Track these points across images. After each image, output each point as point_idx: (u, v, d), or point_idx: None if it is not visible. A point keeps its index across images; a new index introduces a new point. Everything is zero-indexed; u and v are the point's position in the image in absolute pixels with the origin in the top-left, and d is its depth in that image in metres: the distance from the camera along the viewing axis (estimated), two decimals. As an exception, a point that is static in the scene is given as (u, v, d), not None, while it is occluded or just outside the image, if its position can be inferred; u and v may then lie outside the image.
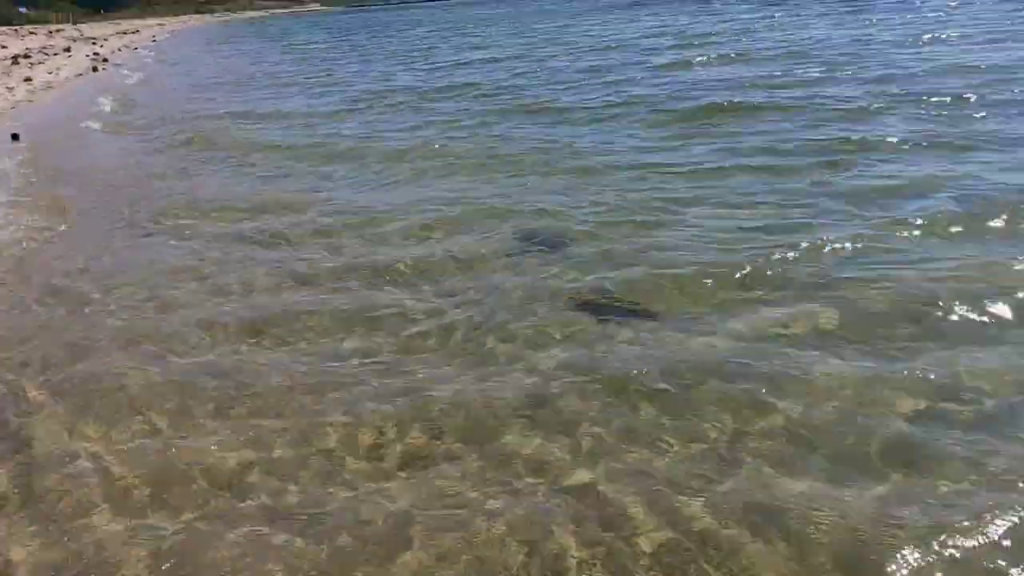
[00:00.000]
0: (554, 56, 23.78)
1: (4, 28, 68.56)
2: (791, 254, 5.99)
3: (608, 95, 15.09)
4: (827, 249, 6.05)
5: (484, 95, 16.80)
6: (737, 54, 19.74)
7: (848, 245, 6.11)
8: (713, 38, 24.89)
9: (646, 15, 42.85)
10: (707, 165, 9.16)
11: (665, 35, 27.93)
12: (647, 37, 27.69)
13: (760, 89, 14.16)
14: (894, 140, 9.50)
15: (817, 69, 15.80)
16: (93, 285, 6.60)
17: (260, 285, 6.42)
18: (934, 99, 11.66)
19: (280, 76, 26.12)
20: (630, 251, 6.50)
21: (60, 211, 9.21)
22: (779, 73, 15.78)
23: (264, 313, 5.80)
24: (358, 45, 40.55)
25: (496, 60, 24.37)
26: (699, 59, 19.03)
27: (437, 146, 11.70)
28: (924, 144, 9.25)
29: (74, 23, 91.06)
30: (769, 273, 5.74)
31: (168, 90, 23.95)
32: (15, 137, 14.23)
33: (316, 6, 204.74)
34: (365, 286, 6.24)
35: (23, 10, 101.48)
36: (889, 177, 8.03)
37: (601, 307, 5.50)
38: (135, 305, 6.15)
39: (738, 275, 5.76)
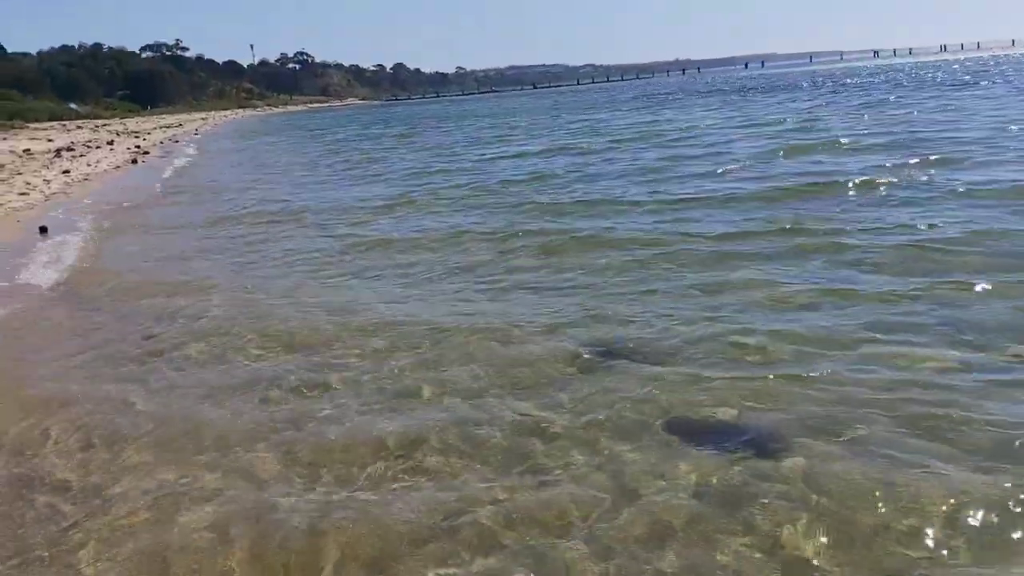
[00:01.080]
0: (611, 149, 22.83)
1: (54, 123, 70.87)
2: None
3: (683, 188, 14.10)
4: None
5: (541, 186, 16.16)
6: (823, 143, 18.57)
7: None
8: (787, 127, 24.26)
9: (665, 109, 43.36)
10: (828, 284, 7.52)
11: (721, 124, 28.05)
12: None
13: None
14: None
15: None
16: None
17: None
18: None
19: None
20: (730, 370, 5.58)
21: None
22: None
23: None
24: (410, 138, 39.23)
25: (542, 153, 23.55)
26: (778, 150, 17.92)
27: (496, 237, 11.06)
28: None
29: (121, 119, 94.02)
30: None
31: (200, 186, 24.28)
32: (43, 230, 14.35)
33: (355, 100, 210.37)
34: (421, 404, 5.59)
35: (73, 106, 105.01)
36: None
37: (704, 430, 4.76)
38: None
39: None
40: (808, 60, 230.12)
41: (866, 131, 20.54)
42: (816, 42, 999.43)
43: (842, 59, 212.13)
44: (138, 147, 42.48)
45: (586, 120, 38.48)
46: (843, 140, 18.52)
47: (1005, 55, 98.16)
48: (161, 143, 50.35)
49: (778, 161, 16.47)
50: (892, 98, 33.06)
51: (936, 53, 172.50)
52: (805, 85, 58.44)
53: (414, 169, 22.40)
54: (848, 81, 58.46)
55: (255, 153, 36.92)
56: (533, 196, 14.82)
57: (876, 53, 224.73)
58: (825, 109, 30.85)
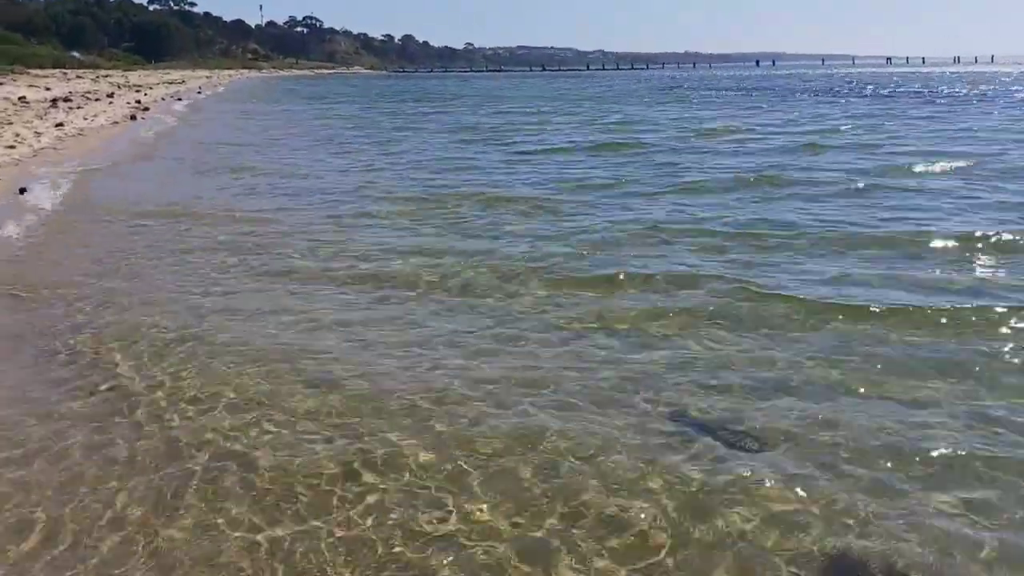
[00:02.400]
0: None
1: (55, 71, 69.11)
2: None
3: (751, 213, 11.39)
4: None
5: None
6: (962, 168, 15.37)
7: None
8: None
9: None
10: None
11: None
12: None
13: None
14: None
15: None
16: None
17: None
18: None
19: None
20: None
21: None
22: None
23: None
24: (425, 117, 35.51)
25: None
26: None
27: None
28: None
29: (124, 71, 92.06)
30: None
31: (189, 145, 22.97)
32: (23, 191, 13.16)
33: (362, 69, 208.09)
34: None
35: (75, 54, 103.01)
36: None
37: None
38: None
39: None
40: (820, 62, 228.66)
41: None
42: (827, 45, 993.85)
43: (854, 64, 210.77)
44: (139, 102, 41.06)
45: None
46: None
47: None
48: (163, 99, 48.90)
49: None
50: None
51: (950, 64, 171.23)
52: (870, 91, 54.32)
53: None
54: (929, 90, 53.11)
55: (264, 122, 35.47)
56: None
57: (889, 60, 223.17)
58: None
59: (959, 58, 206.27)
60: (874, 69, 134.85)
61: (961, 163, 15.69)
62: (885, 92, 51.94)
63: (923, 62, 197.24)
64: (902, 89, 56.07)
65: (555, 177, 15.33)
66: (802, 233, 9.80)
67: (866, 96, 47.41)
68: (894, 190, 12.94)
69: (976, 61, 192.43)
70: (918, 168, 15.35)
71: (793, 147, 19.59)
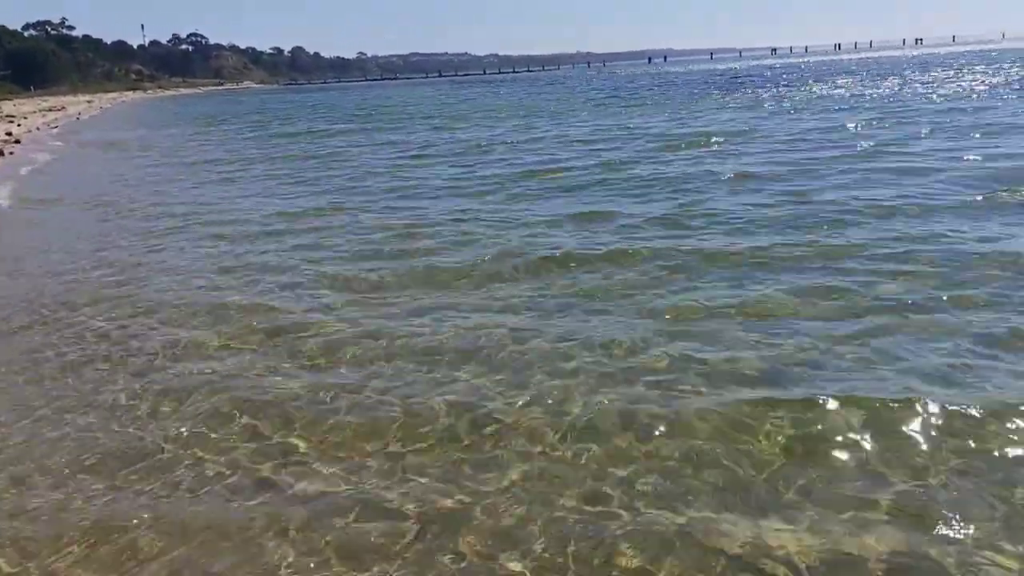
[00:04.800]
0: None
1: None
2: None
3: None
4: None
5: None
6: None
7: None
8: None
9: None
10: None
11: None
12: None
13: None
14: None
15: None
16: None
17: None
18: None
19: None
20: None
21: None
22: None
23: None
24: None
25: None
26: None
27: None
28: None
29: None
30: None
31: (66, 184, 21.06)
32: None
33: (252, 84, 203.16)
34: None
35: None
36: None
37: None
38: None
39: None
40: (709, 56, 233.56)
41: None
42: (713, 40, 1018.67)
43: (741, 56, 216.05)
44: (9, 134, 38.14)
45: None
46: None
47: (916, 55, 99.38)
48: (38, 129, 45.91)
49: None
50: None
51: (832, 52, 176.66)
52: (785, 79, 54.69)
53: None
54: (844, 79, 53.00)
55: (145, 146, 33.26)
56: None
57: (774, 51, 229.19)
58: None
59: (840, 45, 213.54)
60: (759, 61, 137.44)
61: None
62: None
63: (806, 51, 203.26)
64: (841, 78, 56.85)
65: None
66: None
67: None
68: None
69: (856, 48, 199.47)
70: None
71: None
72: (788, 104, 32.65)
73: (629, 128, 26.13)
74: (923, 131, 19.68)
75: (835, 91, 39.47)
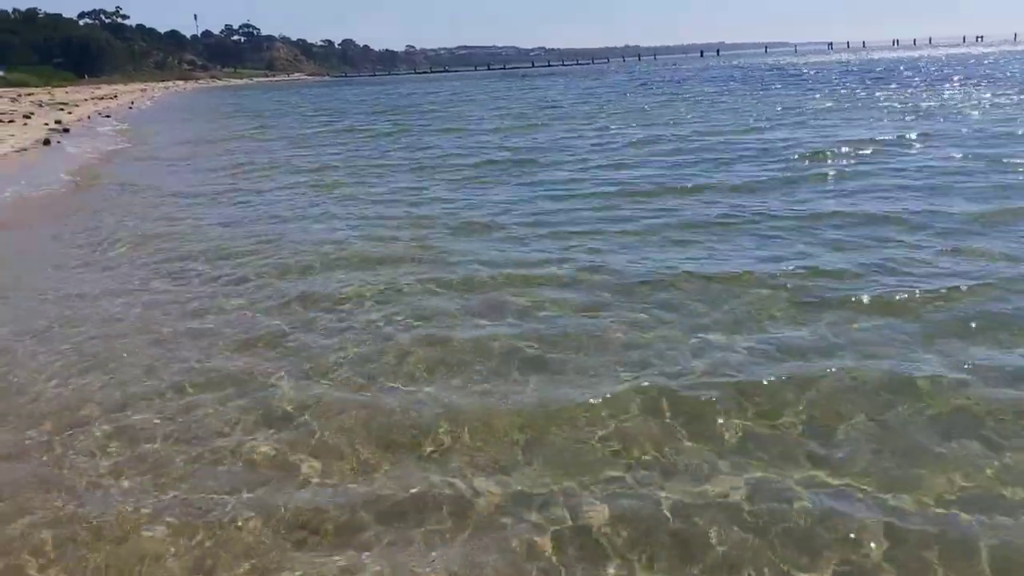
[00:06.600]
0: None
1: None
2: None
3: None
4: None
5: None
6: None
7: None
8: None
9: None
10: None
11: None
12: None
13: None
14: None
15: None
16: None
17: None
18: None
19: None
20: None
21: None
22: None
23: None
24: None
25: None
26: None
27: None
28: None
29: (51, 88, 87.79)
30: None
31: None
32: None
33: (302, 76, 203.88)
34: None
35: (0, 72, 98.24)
36: None
37: None
38: None
39: None
40: (764, 50, 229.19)
41: None
42: (768, 32, 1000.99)
43: (796, 51, 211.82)
44: (58, 122, 37.73)
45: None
46: None
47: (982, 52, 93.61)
48: (88, 118, 45.62)
49: None
50: None
51: (889, 48, 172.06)
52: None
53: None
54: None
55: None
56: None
57: (830, 46, 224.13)
58: None
59: (898, 41, 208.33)
60: (816, 57, 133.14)
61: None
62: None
63: (863, 46, 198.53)
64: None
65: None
66: None
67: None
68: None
69: (915, 44, 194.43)
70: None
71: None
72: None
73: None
74: None
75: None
